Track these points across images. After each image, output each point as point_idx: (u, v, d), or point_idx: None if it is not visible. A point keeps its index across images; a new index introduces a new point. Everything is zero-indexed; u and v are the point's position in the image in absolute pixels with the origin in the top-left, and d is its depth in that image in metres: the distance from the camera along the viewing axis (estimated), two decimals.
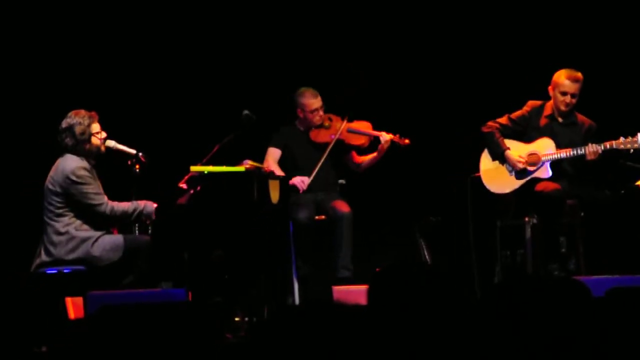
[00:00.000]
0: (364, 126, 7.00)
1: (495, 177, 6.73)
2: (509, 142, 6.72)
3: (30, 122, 7.28)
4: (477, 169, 6.82)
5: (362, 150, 7.04)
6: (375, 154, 6.96)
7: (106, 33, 7.60)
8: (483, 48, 7.73)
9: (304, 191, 6.81)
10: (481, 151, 6.82)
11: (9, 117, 7.44)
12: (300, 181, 6.77)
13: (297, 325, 2.45)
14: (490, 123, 6.77)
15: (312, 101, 6.93)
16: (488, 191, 6.73)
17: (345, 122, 6.96)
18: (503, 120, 6.77)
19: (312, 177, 6.80)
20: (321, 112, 6.95)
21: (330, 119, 7.02)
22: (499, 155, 6.72)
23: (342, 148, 6.99)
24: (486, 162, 6.79)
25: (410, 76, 7.80)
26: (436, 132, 7.66)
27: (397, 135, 6.88)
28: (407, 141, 6.89)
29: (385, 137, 6.86)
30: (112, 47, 7.61)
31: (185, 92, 7.70)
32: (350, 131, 6.97)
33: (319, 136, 6.98)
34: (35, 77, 7.48)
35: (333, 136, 6.92)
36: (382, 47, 7.66)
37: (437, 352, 2.62)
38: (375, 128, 6.98)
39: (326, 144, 6.92)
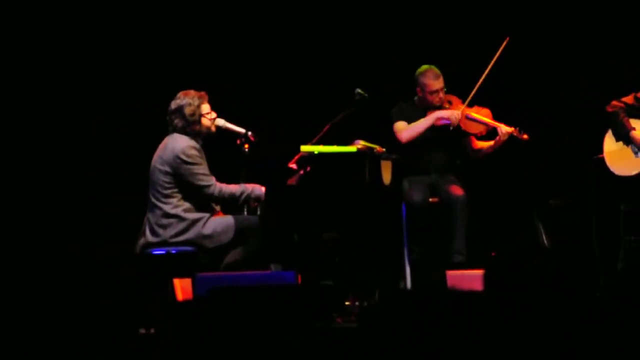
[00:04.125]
0: (484, 113, 6.81)
1: (620, 159, 6.54)
2: (634, 122, 6.50)
3: (144, 102, 7.33)
4: (600, 150, 6.63)
5: (479, 138, 6.85)
6: (492, 143, 6.78)
7: (214, 10, 7.59)
8: (605, 25, 7.45)
9: (418, 172, 6.68)
10: (605, 131, 6.61)
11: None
12: (456, 117, 6.62)
13: (409, 311, 2.35)
14: (614, 102, 6.55)
15: (433, 82, 6.73)
16: (612, 174, 6.54)
17: (464, 107, 6.75)
18: (629, 99, 6.55)
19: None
20: (441, 94, 6.76)
21: (450, 102, 6.84)
22: (624, 136, 6.51)
23: (458, 134, 6.80)
24: (610, 143, 6.59)
25: (530, 56, 7.58)
26: (557, 112, 7.45)
27: (517, 129, 6.69)
28: (525, 136, 6.71)
29: (504, 129, 6.67)
30: (221, 25, 7.64)
31: (295, 69, 7.66)
32: (468, 119, 6.78)
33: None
34: (146, 56, 7.53)
35: (448, 122, 6.70)
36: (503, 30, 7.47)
37: (558, 340, 2.50)
38: (495, 114, 6.78)
39: (442, 128, 6.73)
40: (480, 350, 2.39)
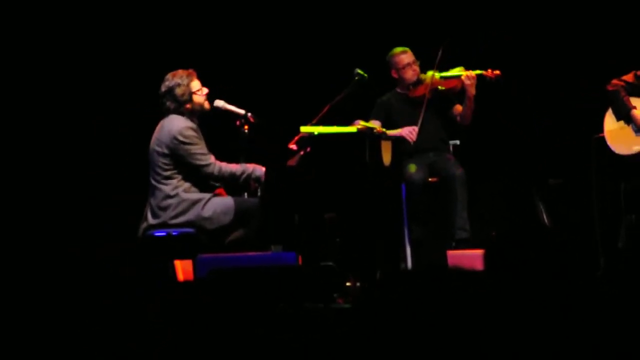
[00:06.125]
0: (457, 70, 6.78)
1: (620, 138, 6.49)
2: (635, 101, 6.44)
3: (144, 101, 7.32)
4: (601, 129, 6.58)
5: (461, 94, 6.80)
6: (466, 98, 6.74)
7: None
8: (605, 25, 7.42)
9: (415, 152, 6.68)
10: (605, 110, 6.56)
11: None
12: (409, 132, 6.63)
13: (409, 291, 2.33)
14: (615, 81, 6.51)
15: (402, 56, 6.85)
16: (612, 152, 6.51)
17: (433, 72, 6.77)
18: (629, 77, 6.50)
19: (418, 127, 6.62)
20: (415, 67, 6.85)
21: (425, 73, 6.85)
22: (625, 115, 6.46)
23: (440, 96, 6.80)
24: (610, 122, 6.54)
25: (529, 31, 7.54)
26: (557, 91, 7.40)
27: (490, 70, 6.69)
28: (497, 72, 6.69)
29: (464, 74, 6.65)
30: (219, 7, 7.61)
31: (295, 50, 7.62)
32: (442, 78, 6.80)
33: (417, 92, 6.84)
34: (145, 54, 7.51)
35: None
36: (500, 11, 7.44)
37: (558, 320, 2.48)
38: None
39: (424, 96, 6.73)
40: (481, 330, 2.38)
